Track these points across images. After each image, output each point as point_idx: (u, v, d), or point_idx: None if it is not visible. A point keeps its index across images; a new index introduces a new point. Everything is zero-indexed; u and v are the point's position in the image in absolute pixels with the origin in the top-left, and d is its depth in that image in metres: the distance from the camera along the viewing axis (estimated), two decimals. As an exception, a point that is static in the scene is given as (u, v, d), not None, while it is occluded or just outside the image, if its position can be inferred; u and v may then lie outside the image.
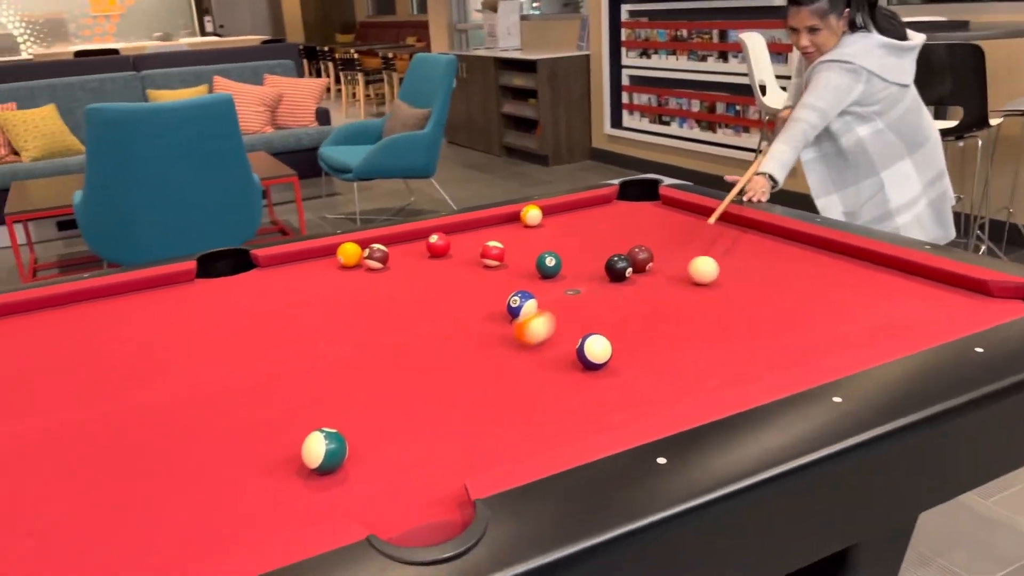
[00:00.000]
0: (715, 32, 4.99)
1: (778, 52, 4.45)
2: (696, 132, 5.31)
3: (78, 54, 7.94)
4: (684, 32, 5.22)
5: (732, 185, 1.91)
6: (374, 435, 1.01)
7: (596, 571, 0.79)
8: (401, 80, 9.42)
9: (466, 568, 0.74)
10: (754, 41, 3.72)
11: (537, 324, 1.22)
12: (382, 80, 9.92)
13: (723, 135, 5.10)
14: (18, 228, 4.69)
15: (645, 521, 0.80)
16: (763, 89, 3.78)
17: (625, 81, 5.87)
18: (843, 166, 2.24)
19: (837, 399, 0.99)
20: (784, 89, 4.18)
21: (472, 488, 0.84)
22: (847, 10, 2.09)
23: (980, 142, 3.35)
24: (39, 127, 4.84)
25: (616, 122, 6.03)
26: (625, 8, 5.71)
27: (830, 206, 2.28)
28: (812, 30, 2.10)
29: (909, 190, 2.23)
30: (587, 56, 6.15)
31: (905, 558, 1.75)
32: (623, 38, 5.79)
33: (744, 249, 1.66)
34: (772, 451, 0.90)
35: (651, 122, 5.70)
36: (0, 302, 1.52)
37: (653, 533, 0.81)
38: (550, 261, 1.53)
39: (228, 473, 0.94)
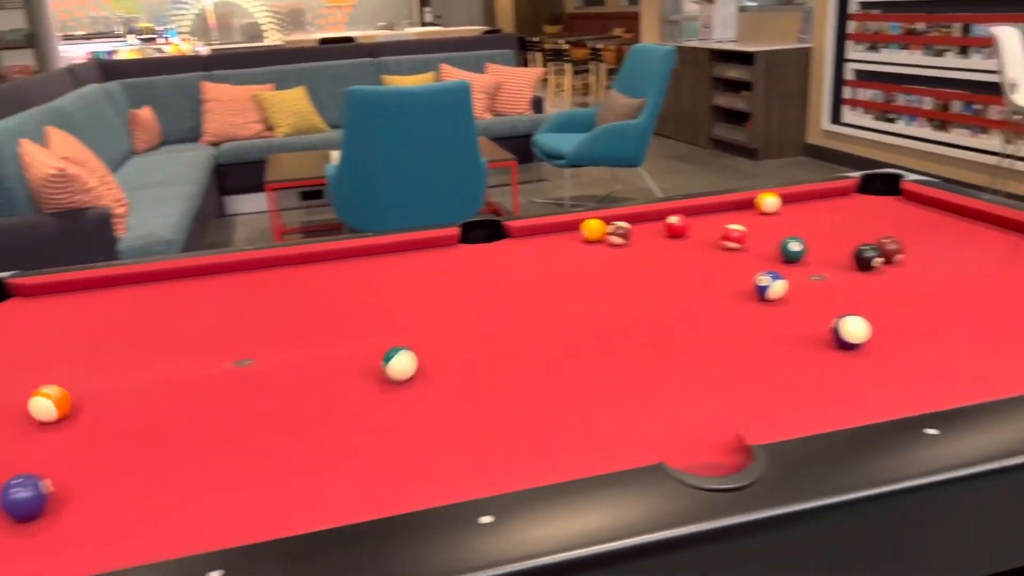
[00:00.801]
0: (957, 25, 4.68)
1: (1031, 47, 4.11)
2: (926, 131, 5.01)
3: (321, 42, 8.70)
4: (921, 25, 4.93)
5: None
6: (648, 386, 1.12)
7: (858, 523, 0.86)
8: (609, 71, 9.53)
9: (745, 500, 0.84)
10: (1008, 35, 3.47)
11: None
12: (588, 71, 10.08)
13: (957, 135, 4.78)
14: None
15: (915, 483, 0.86)
16: (1012, 87, 3.53)
17: (848, 75, 5.63)
18: None
19: (1118, 395, 0.98)
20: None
21: (747, 435, 0.93)
22: None
23: None
24: (291, 106, 5.41)
25: (835, 118, 5.80)
26: (855, 0, 5.47)
27: None
28: None
29: None
30: (808, 49, 5.95)
31: None
32: (850, 30, 5.55)
33: (1002, 247, 1.62)
34: (1046, 436, 0.92)
35: (875, 119, 5.44)
36: (296, 252, 1.79)
37: (921, 495, 0.86)
38: (795, 246, 1.58)
39: (519, 403, 1.09)
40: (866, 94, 5.49)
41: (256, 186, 5.28)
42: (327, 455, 0.98)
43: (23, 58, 7.26)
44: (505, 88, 5.87)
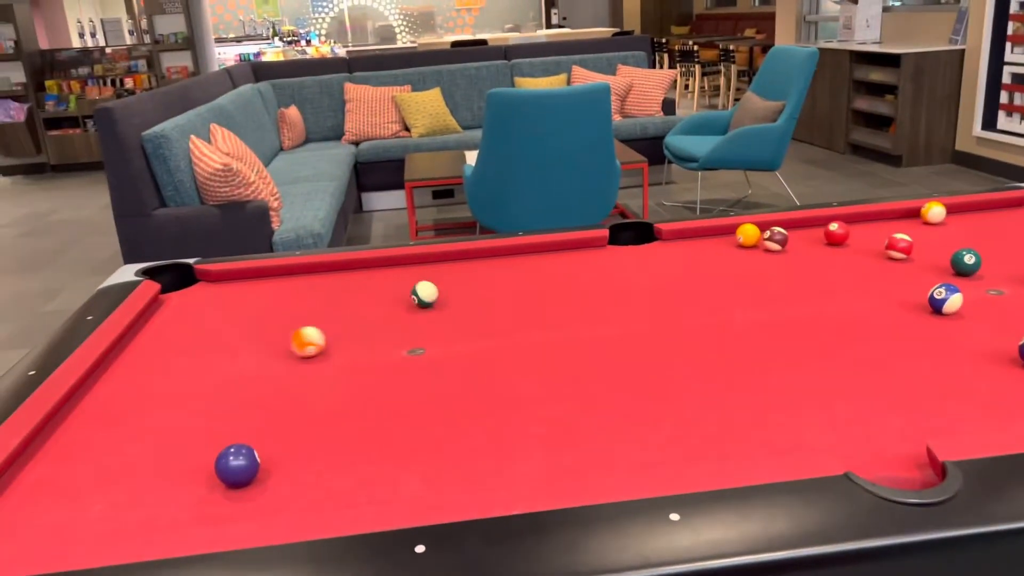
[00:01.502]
0: None
1: None
2: (1095, 139, 4.65)
3: (453, 44, 8.90)
4: (1093, 24, 4.58)
5: None
6: (824, 394, 1.11)
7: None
8: (739, 73, 9.31)
9: (939, 517, 0.82)
10: None
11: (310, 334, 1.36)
12: (718, 72, 9.88)
13: None
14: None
15: None
16: None
17: (1006, 79, 5.29)
18: None
19: None
20: None
21: (938, 451, 0.91)
22: None
23: None
24: (426, 108, 5.58)
25: (989, 124, 5.46)
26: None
27: None
28: None
29: None
30: (960, 51, 5.63)
31: None
32: (1010, 32, 5.21)
33: None
34: None
35: (1035, 125, 5.09)
36: (450, 249, 1.85)
37: None
38: (969, 258, 1.52)
39: (696, 396, 1.11)
40: (1026, 99, 5.15)
41: (391, 184, 5.48)
42: (508, 441, 1.03)
43: (181, 59, 7.79)
44: (636, 90, 5.85)
